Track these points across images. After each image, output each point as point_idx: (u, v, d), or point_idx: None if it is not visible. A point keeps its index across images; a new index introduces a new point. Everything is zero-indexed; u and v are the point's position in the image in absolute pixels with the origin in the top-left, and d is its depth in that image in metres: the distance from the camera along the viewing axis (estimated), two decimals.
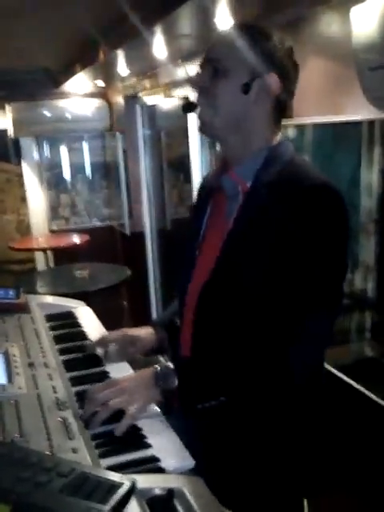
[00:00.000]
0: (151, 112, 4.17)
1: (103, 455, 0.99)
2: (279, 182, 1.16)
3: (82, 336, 1.57)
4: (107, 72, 3.49)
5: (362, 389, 1.95)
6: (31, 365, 1.31)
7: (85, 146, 4.97)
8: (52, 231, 4.94)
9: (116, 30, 2.48)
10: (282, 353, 1.12)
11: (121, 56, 2.84)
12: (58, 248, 4.54)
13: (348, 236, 1.16)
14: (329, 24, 1.84)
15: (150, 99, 3.94)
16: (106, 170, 5.01)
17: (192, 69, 2.89)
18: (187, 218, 4.66)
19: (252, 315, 1.16)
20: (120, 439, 1.05)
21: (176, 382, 1.11)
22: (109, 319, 1.78)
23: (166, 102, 3.90)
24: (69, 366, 1.36)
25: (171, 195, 4.64)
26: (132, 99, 4.11)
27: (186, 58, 2.82)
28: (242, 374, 1.13)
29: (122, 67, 3.18)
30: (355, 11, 1.41)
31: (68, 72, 3.52)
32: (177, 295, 1.41)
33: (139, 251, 4.41)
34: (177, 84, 3.29)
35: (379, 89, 1.42)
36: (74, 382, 1.27)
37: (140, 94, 3.97)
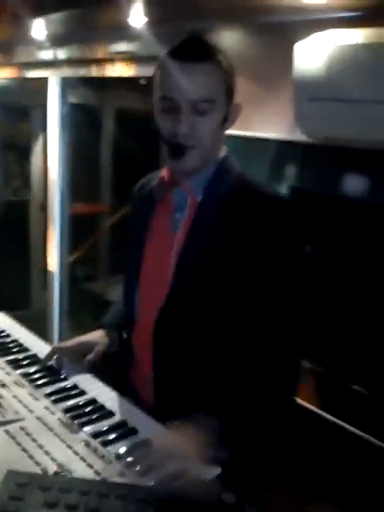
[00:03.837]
0: None
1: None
2: (233, 196, 1.20)
3: (20, 345, 1.48)
4: None
5: None
6: (3, 385, 1.21)
7: None
8: None
9: None
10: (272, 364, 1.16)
11: None
12: None
13: None
14: (236, 40, 1.95)
15: None
16: None
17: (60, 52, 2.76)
18: (12, 200, 4.37)
19: (219, 331, 1.19)
20: None
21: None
22: None
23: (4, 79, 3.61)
24: (32, 381, 1.27)
25: None
26: None
27: (52, 41, 2.67)
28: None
29: None
30: (299, 45, 1.55)
31: None
32: (125, 308, 1.37)
33: None
34: (30, 65, 3.10)
35: (313, 118, 1.58)
36: (54, 399, 1.20)
37: None
